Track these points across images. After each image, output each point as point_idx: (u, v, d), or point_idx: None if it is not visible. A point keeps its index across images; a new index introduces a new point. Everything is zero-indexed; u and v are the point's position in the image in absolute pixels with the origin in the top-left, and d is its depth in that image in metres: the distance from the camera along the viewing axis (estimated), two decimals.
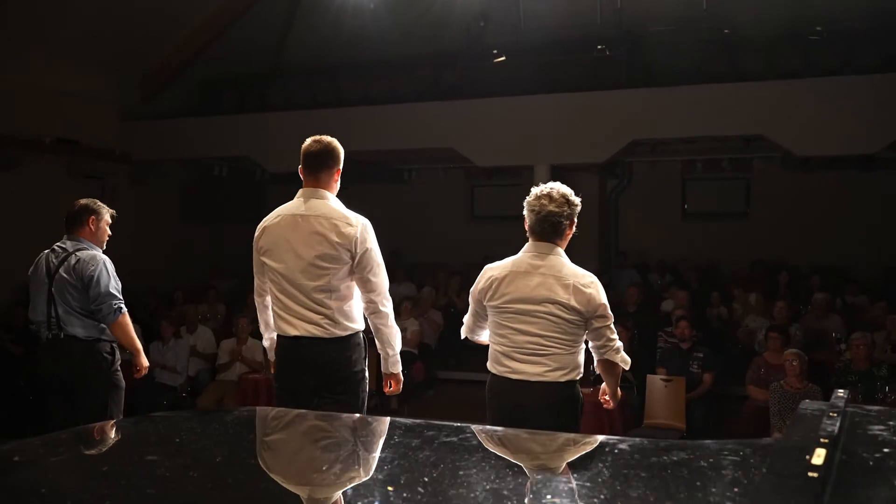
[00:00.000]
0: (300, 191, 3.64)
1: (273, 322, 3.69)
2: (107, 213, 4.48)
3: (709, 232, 12.70)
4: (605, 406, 3.68)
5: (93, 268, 4.20)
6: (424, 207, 13.75)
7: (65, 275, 4.22)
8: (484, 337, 3.66)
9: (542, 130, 9.80)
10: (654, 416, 6.49)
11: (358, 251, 3.46)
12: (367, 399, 3.72)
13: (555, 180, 3.67)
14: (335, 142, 3.67)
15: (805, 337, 7.63)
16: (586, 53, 11.32)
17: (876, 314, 7.96)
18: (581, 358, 3.44)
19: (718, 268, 12.12)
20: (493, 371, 3.50)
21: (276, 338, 3.71)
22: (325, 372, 3.54)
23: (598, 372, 3.59)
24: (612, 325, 3.42)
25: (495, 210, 13.52)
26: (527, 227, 3.49)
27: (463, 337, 3.75)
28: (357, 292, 3.59)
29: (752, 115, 9.07)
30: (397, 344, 3.68)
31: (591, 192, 12.73)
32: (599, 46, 11.50)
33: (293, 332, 3.53)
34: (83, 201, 4.48)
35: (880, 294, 9.55)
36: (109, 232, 4.51)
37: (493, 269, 3.50)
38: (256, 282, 3.74)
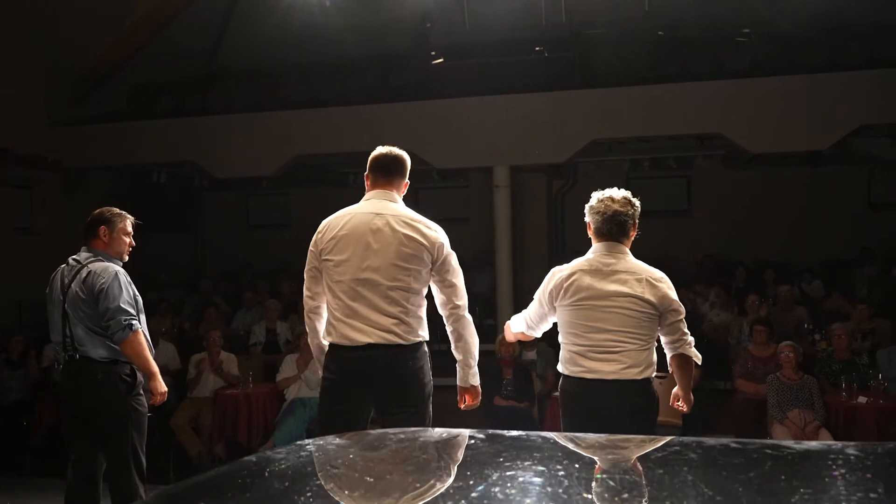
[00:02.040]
0: (371, 192, 3.51)
1: (332, 331, 3.37)
2: (122, 222, 4.08)
3: (653, 229, 12.89)
4: (679, 410, 3.62)
5: (103, 280, 3.82)
6: None
7: (77, 290, 3.84)
8: (536, 335, 3.76)
9: (501, 131, 9.74)
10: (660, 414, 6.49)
11: (439, 255, 3.35)
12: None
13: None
14: (406, 155, 3.60)
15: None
16: (534, 55, 11.38)
17: (838, 304, 8.24)
18: (654, 356, 3.44)
19: (666, 264, 12.33)
20: (567, 372, 3.49)
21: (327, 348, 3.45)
22: (396, 383, 3.32)
23: (670, 370, 3.57)
24: (684, 320, 3.44)
25: (440, 213, 13.30)
26: (591, 231, 3.58)
27: (516, 331, 3.78)
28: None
29: (710, 113, 9.28)
30: (477, 353, 3.49)
31: (540, 193, 12.81)
32: (537, 48, 11.60)
33: (364, 339, 3.27)
34: (97, 211, 4.11)
35: (827, 284, 9.98)
36: (132, 241, 4.13)
37: (561, 270, 3.55)
38: (311, 288, 3.48)
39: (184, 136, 10.75)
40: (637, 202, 3.54)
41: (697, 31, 10.89)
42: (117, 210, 4.11)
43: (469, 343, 3.44)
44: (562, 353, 3.52)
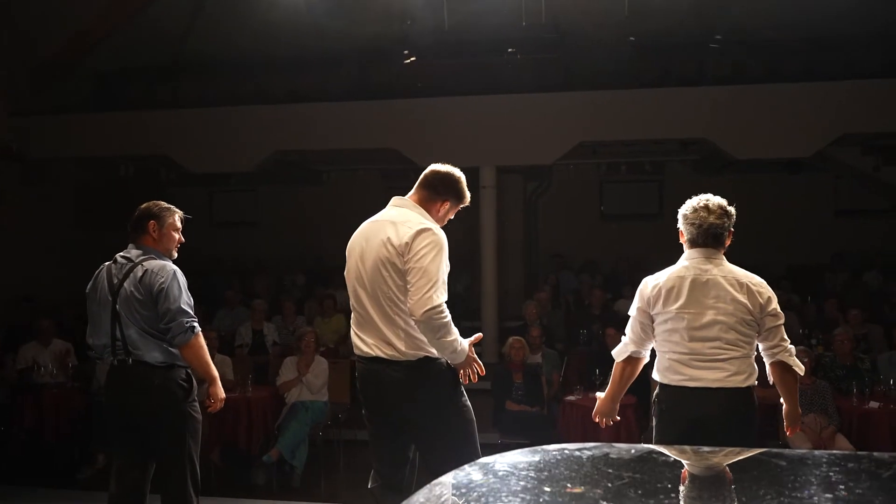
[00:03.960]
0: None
1: (352, 340, 3.35)
2: (172, 217, 3.80)
3: (625, 232, 13.04)
4: (788, 433, 3.58)
5: (162, 279, 3.55)
6: (341, 210, 13.25)
7: (131, 289, 3.56)
8: (646, 353, 3.55)
9: (489, 132, 9.65)
10: None
11: (406, 253, 3.08)
12: (475, 434, 3.28)
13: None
14: (457, 175, 3.44)
15: None
16: (511, 55, 11.35)
17: (830, 310, 8.41)
18: (754, 363, 3.37)
19: (641, 267, 12.43)
20: (666, 381, 3.38)
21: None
22: (403, 403, 3.18)
23: (771, 381, 3.49)
24: (783, 327, 3.36)
25: None
26: (684, 239, 3.48)
27: (625, 356, 3.54)
28: None
29: (698, 118, 9.38)
30: (451, 350, 3.09)
31: (516, 194, 12.78)
32: (515, 49, 11.57)
33: (368, 351, 3.21)
34: (144, 205, 3.82)
35: (795, 290, 10.17)
36: (181, 237, 3.86)
37: (656, 279, 3.45)
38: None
39: (156, 129, 10.35)
40: (732, 210, 3.45)
41: (678, 38, 10.99)
42: (165, 204, 3.84)
43: (438, 347, 3.10)
44: (659, 362, 3.42)
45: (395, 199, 3.37)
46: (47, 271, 10.51)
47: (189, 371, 3.70)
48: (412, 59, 11.74)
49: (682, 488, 1.74)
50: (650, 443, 6.10)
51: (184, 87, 11.45)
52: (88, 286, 3.75)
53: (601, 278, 11.45)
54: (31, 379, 7.00)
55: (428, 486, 1.79)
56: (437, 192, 3.35)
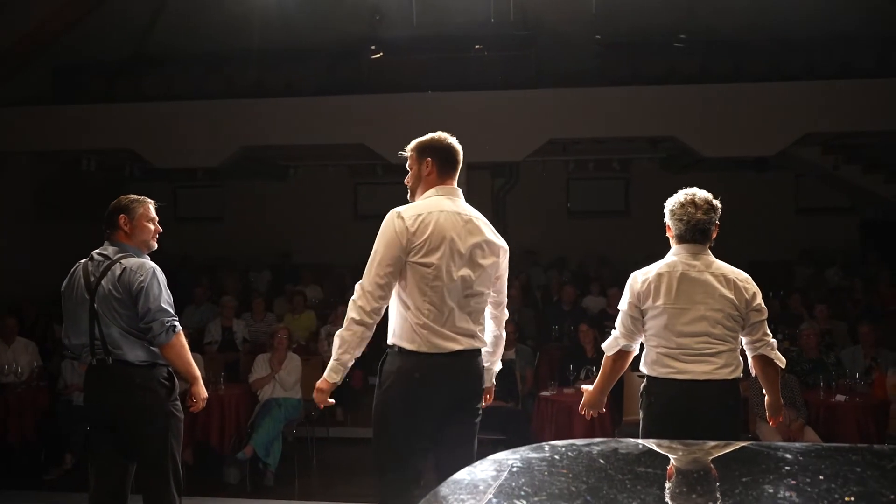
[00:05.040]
0: (442, 188, 3.21)
1: (415, 338, 3.05)
2: (142, 207, 3.68)
3: (592, 229, 13.15)
4: (771, 424, 3.65)
5: (141, 277, 3.48)
6: (308, 206, 13.19)
7: (110, 287, 3.48)
8: (636, 347, 3.57)
9: (459, 128, 9.58)
10: (633, 413, 6.54)
11: (504, 260, 3.32)
12: None
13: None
14: None
15: None
16: (479, 52, 11.38)
17: (792, 306, 8.57)
18: (739, 356, 3.43)
19: (610, 263, 12.55)
20: (654, 374, 3.41)
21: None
22: (472, 387, 3.22)
23: (753, 373, 3.56)
24: (766, 322, 3.43)
25: (379, 209, 13.14)
26: (672, 234, 3.52)
27: (615, 350, 3.55)
28: None
29: (666, 117, 9.48)
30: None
31: (484, 191, 12.80)
32: (481, 46, 11.60)
33: (454, 346, 3.07)
34: (115, 200, 3.73)
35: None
36: (157, 227, 3.74)
37: (645, 274, 3.48)
38: (381, 283, 3.05)
39: (120, 123, 10.16)
40: (718, 203, 3.46)
41: (646, 37, 11.11)
42: (135, 196, 3.73)
43: (503, 344, 3.49)
44: (647, 356, 3.45)
45: (458, 189, 3.26)
46: (5, 267, 10.28)
47: (170, 369, 3.63)
48: (379, 54, 11.71)
49: (692, 482, 1.77)
50: (625, 436, 6.17)
51: (148, 81, 11.25)
52: (64, 284, 3.66)
53: (569, 274, 11.54)
54: None
55: (444, 483, 1.78)
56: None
